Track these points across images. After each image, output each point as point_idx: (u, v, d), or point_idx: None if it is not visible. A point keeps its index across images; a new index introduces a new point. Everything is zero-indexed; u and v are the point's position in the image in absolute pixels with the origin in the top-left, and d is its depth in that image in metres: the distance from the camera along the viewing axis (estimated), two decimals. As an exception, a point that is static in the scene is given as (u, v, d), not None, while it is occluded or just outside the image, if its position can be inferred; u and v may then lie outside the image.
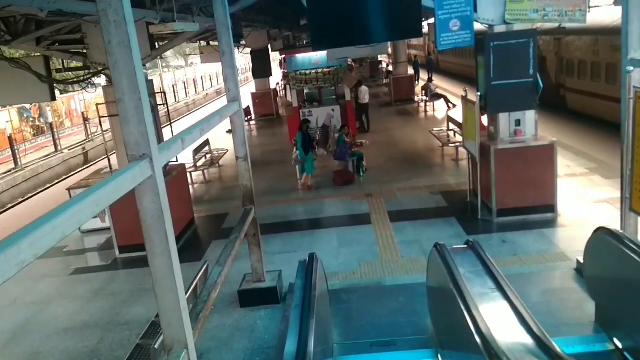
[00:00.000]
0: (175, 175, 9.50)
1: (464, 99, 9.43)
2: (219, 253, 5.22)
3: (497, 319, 4.11)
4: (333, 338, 5.60)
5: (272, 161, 15.16)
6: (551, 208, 8.62)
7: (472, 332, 3.80)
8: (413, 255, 7.83)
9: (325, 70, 15.76)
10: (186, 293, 4.08)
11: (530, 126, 8.61)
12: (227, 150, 15.12)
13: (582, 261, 6.77)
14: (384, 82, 29.62)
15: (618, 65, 8.82)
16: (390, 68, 28.17)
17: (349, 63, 16.78)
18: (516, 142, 8.58)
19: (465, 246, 5.67)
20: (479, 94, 8.52)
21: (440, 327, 5.24)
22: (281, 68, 23.70)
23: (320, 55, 15.68)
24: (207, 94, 44.41)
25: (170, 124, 12.14)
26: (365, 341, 5.68)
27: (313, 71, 15.75)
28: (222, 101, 9.90)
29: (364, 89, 17.41)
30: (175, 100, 36.93)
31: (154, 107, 8.83)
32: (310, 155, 11.99)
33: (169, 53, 41.24)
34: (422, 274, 6.85)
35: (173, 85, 39.58)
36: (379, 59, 36.02)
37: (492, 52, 8.31)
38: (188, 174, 12.71)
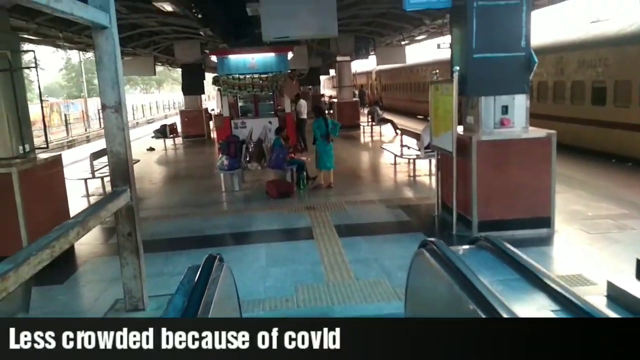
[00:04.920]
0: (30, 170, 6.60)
1: (433, 82, 7.48)
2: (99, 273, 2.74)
3: None
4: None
5: (193, 175, 12.63)
6: (547, 222, 6.63)
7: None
8: (372, 276, 5.52)
9: (262, 75, 13.59)
10: None
11: (521, 115, 6.69)
12: (139, 160, 12.43)
13: (614, 283, 4.79)
14: (328, 113, 27.88)
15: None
16: (334, 98, 26.48)
17: (290, 71, 14.72)
18: (503, 134, 6.62)
19: (473, 246, 3.44)
20: (456, 68, 6.55)
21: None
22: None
23: (256, 58, 13.56)
24: (137, 122, 41.27)
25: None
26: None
27: (248, 76, 13.55)
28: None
29: (302, 102, 15.45)
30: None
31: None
32: (331, 145, 9.88)
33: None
34: (386, 300, 4.80)
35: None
36: (321, 92, 34.46)
37: (474, 15, 6.43)
38: (83, 182, 10.04)
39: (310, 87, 29.28)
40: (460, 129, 6.90)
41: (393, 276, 5.43)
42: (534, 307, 2.45)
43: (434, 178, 9.33)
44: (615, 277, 4.92)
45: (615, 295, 4.67)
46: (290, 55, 13.93)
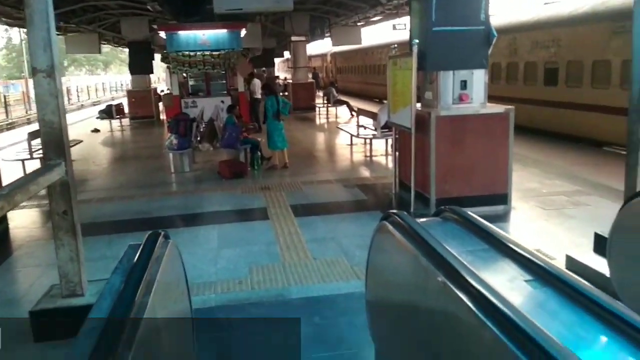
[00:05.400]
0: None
1: (392, 57, 7.29)
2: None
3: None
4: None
5: (141, 156, 12.04)
6: (504, 198, 6.60)
7: None
8: (329, 256, 5.30)
9: (214, 53, 13.08)
10: None
11: (479, 90, 6.58)
12: (82, 141, 11.75)
13: (573, 257, 4.77)
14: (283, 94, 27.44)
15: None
16: (289, 80, 26.03)
17: (243, 49, 14.20)
18: (462, 110, 6.50)
19: (438, 218, 3.26)
20: (415, 41, 6.36)
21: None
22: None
23: (208, 35, 13.02)
24: (82, 104, 39.49)
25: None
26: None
27: (199, 53, 13.00)
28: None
29: (256, 82, 15.00)
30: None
31: None
32: (282, 124, 9.47)
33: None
34: (344, 280, 4.59)
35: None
36: (275, 74, 33.85)
37: (434, -14, 6.24)
38: (20, 164, 9.37)
39: (264, 69, 28.68)
40: (418, 106, 6.74)
41: (351, 255, 5.24)
42: (505, 277, 2.27)
43: (390, 158, 9.20)
44: (573, 251, 4.91)
45: (574, 268, 4.65)
46: (243, 32, 13.46)
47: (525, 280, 2.20)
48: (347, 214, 6.77)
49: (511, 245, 2.47)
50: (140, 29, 18.69)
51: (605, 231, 4.17)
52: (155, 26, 17.68)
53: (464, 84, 6.54)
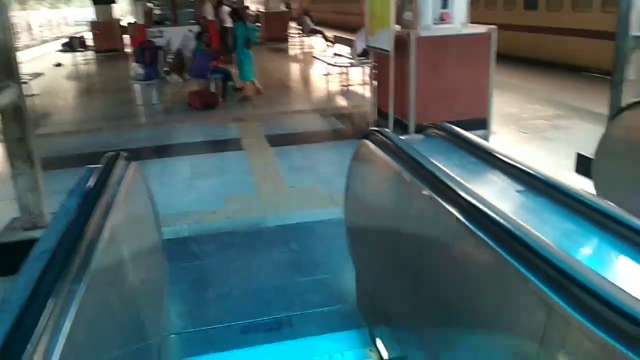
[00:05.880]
0: None
1: (370, -25, 6.85)
2: None
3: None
4: (165, 323, 2.69)
5: (107, 89, 11.49)
6: (483, 123, 6.45)
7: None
8: (306, 184, 5.14)
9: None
10: None
11: (460, 9, 6.27)
12: (43, 74, 11.09)
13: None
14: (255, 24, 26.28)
15: None
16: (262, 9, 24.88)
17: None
18: (443, 30, 6.20)
19: (421, 135, 3.08)
20: (394, -45, 5.94)
21: (387, 282, 2.59)
22: None
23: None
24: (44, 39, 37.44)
25: None
26: (234, 323, 2.90)
27: (164, -22, 12.20)
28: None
29: (226, 9, 14.20)
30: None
31: None
32: (250, 53, 8.93)
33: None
34: (322, 207, 4.43)
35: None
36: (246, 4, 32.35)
37: None
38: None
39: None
40: (397, 28, 6.40)
41: (329, 183, 5.07)
42: (496, 187, 2.12)
43: (367, 87, 8.91)
44: (555, 171, 4.82)
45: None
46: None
47: (517, 191, 2.05)
48: (324, 143, 6.57)
49: (502, 157, 2.31)
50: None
51: (586, 152, 4.08)
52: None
53: (444, 3, 6.21)
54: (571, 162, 4.59)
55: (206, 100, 8.55)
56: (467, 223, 1.64)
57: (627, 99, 4.21)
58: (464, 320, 1.73)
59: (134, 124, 7.97)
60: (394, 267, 2.41)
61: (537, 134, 6.31)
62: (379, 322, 2.66)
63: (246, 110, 8.43)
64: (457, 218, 1.71)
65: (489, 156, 2.40)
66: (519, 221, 1.51)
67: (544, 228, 1.66)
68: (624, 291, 1.09)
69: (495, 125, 6.57)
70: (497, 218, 1.55)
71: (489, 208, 1.63)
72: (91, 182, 2.15)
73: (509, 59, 12.00)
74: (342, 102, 9.02)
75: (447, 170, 2.05)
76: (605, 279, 1.15)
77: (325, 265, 3.48)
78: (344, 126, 7.30)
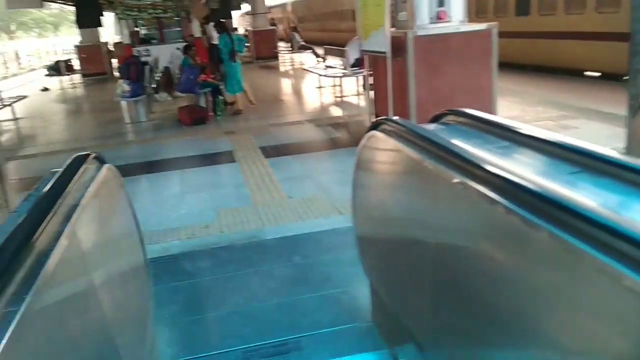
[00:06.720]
0: None
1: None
2: None
3: None
4: (150, 354, 2.29)
5: (93, 110, 11.16)
6: (488, 124, 6.13)
7: None
8: (306, 193, 4.77)
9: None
10: None
11: (458, 7, 5.98)
12: (26, 97, 10.73)
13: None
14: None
15: None
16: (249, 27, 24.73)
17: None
18: (440, 28, 5.91)
19: (436, 124, 2.72)
20: (387, -48, 5.68)
21: (411, 294, 2.21)
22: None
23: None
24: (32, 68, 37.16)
25: None
26: (234, 349, 2.51)
27: (149, -4, 11.97)
28: None
29: (212, 25, 13.94)
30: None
31: None
32: (237, 65, 8.58)
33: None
34: (325, 216, 4.07)
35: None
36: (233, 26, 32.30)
37: None
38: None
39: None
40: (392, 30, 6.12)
41: (331, 191, 4.73)
42: (543, 170, 1.76)
43: (362, 97, 8.62)
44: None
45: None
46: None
47: (571, 173, 1.70)
48: (321, 152, 6.24)
49: (541, 136, 1.95)
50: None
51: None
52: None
53: (441, 0, 5.93)
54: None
55: (196, 115, 8.21)
56: (522, 213, 1.28)
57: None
58: (529, 340, 1.34)
59: (121, 142, 7.61)
60: (420, 274, 2.03)
61: (546, 134, 5.99)
62: (402, 341, 2.28)
63: (238, 124, 8.10)
64: (506, 208, 1.35)
65: (524, 137, 2.04)
66: (599, 208, 1.14)
67: (629, 214, 1.31)
68: None
69: (500, 127, 6.25)
70: (570, 204, 1.18)
71: (545, 191, 1.28)
72: (51, 186, 1.77)
73: (503, 65, 11.83)
74: (337, 112, 8.72)
75: (480, 153, 1.70)
76: None
77: (334, 278, 3.09)
78: (340, 135, 6.97)
